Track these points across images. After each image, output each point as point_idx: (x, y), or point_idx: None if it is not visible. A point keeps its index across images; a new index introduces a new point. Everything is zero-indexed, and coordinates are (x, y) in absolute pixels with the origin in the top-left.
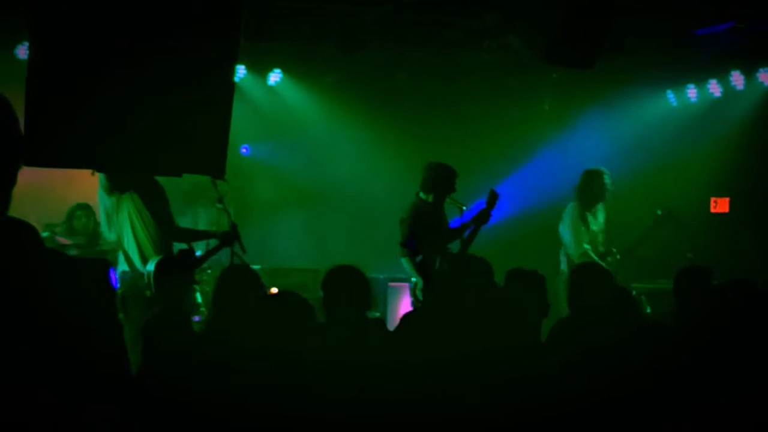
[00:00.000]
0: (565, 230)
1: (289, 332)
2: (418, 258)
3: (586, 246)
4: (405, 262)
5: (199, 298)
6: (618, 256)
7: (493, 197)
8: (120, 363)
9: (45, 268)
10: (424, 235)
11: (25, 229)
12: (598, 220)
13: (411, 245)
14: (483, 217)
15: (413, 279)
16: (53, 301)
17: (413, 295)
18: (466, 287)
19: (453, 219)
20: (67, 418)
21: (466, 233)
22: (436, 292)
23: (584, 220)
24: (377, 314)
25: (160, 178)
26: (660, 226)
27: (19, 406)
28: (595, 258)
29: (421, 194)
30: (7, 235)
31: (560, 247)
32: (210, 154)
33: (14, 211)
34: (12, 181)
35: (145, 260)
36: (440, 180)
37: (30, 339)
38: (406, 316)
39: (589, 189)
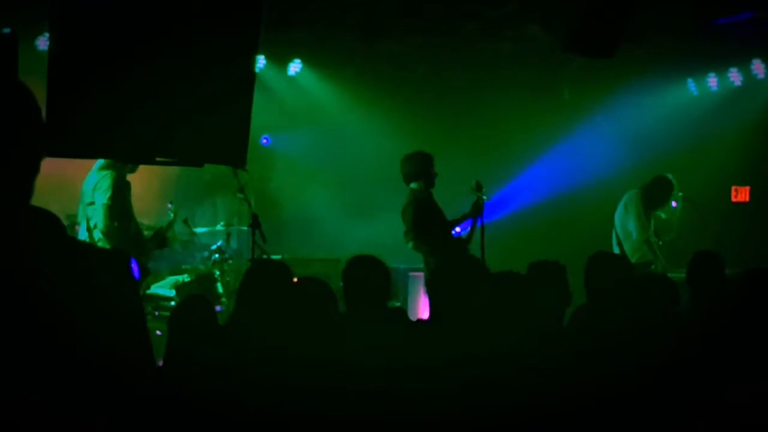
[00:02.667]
0: (630, 216)
1: (310, 321)
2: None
3: (651, 233)
4: (416, 246)
5: (220, 288)
6: (660, 242)
7: (479, 187)
8: (143, 350)
9: (67, 256)
10: (429, 218)
11: (48, 218)
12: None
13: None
14: (477, 210)
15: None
16: (76, 290)
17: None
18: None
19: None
20: (89, 406)
21: (464, 230)
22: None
23: (646, 211)
24: (398, 304)
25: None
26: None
27: (41, 394)
28: (655, 247)
29: (412, 185)
30: (30, 223)
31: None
32: (231, 145)
33: (37, 201)
34: (35, 170)
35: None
36: (421, 167)
37: (53, 327)
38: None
39: (659, 195)
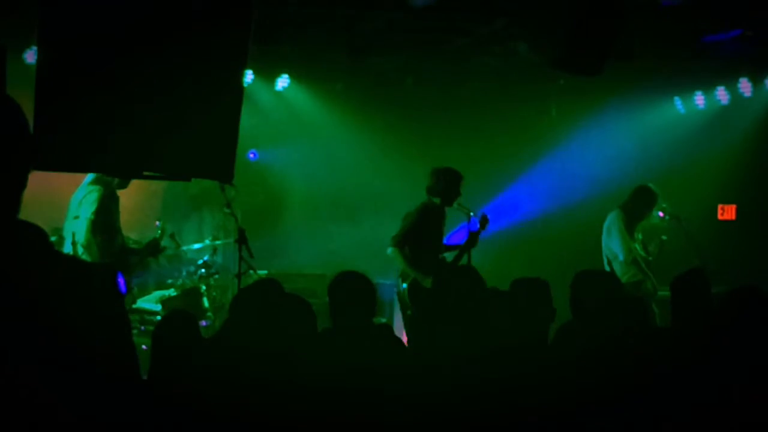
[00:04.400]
0: (613, 239)
1: (292, 336)
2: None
3: (640, 253)
4: (394, 253)
5: (206, 302)
6: (650, 258)
7: (485, 221)
8: (128, 365)
9: (54, 270)
10: (424, 234)
11: (35, 232)
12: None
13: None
14: (472, 241)
15: (403, 285)
16: (62, 304)
17: (402, 299)
18: (458, 294)
19: (460, 225)
20: (73, 421)
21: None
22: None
23: (630, 228)
24: (383, 320)
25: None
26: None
27: (22, 409)
28: (642, 264)
29: (433, 198)
30: (17, 237)
31: (593, 252)
32: (218, 159)
33: (24, 215)
34: (23, 184)
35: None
36: (447, 184)
37: (38, 341)
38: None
39: (641, 206)
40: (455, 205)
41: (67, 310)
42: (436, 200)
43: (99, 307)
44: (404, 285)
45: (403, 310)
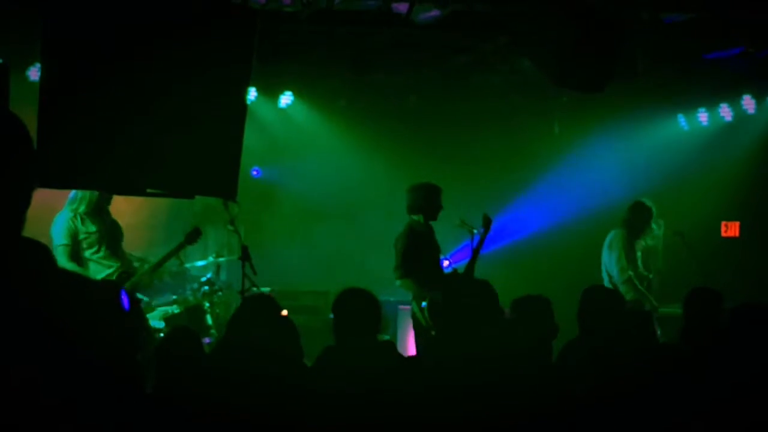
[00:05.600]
0: (610, 258)
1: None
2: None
3: (630, 273)
4: (406, 284)
5: (209, 319)
6: (651, 276)
7: (488, 222)
8: (132, 381)
9: (58, 287)
10: (421, 254)
11: (39, 249)
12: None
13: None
14: (478, 251)
15: (423, 303)
16: (66, 321)
17: (418, 318)
18: (474, 311)
19: (464, 242)
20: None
21: (454, 263)
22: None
23: (630, 248)
24: (387, 337)
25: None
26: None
27: (24, 420)
28: (638, 284)
29: (413, 216)
30: (21, 254)
31: (597, 269)
32: (222, 176)
33: (27, 232)
34: (27, 201)
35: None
36: (425, 199)
37: (43, 357)
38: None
39: (639, 222)
40: (458, 222)
41: (70, 326)
42: (418, 217)
43: (100, 323)
44: (424, 303)
45: (419, 329)
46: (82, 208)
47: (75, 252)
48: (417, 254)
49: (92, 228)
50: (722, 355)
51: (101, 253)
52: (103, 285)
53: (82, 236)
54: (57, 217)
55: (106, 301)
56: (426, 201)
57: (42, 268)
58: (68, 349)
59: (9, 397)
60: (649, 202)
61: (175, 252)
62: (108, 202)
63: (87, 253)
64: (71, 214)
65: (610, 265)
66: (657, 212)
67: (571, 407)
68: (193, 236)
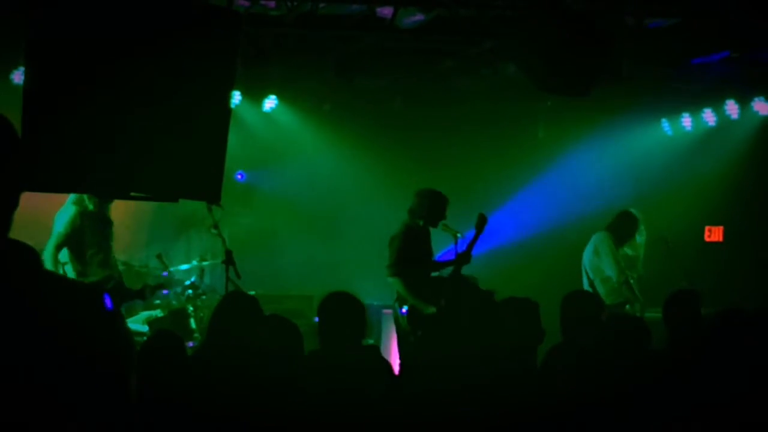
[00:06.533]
0: (603, 260)
1: (277, 357)
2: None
3: (627, 273)
4: (396, 283)
5: (193, 324)
6: (632, 280)
7: (482, 221)
8: (118, 383)
9: (45, 289)
10: (413, 257)
11: (26, 252)
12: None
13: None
14: (464, 258)
15: (404, 307)
16: (53, 322)
17: (400, 324)
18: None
19: (448, 247)
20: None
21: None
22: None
23: (617, 249)
24: (371, 341)
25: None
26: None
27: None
28: (634, 284)
29: (415, 219)
30: (8, 257)
31: (577, 276)
32: (206, 180)
33: (13, 235)
34: (14, 203)
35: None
36: (431, 207)
37: (30, 358)
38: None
39: (625, 230)
40: (440, 226)
41: (58, 327)
42: (419, 221)
43: (86, 326)
44: (404, 309)
45: (400, 333)
46: (90, 207)
47: (76, 247)
48: (410, 255)
49: (94, 231)
50: (705, 361)
51: (96, 259)
52: (86, 286)
53: (86, 236)
54: (60, 212)
55: (90, 302)
56: (431, 208)
57: (28, 269)
58: (52, 349)
59: None
60: (637, 213)
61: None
62: (107, 207)
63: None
64: (78, 209)
65: (605, 267)
66: (642, 221)
67: (555, 413)
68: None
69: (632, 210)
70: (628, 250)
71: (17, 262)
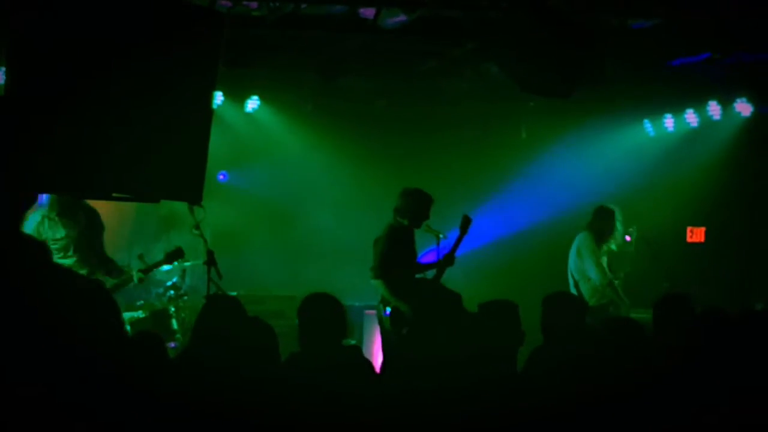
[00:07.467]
0: (586, 261)
1: (255, 358)
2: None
3: (611, 276)
4: (379, 285)
5: (174, 324)
6: (617, 281)
7: (467, 222)
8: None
9: (53, 280)
10: (397, 259)
11: (36, 245)
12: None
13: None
14: (448, 260)
15: (387, 308)
16: (60, 310)
17: (383, 324)
18: (439, 318)
19: (429, 247)
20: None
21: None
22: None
23: (599, 250)
24: (353, 341)
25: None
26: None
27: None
28: (617, 285)
29: (399, 219)
30: (20, 249)
31: (563, 275)
32: (187, 180)
33: None
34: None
35: None
36: (416, 206)
37: (38, 344)
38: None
39: (604, 226)
40: (423, 227)
41: (65, 314)
42: (404, 221)
43: (93, 313)
44: (388, 310)
45: (384, 334)
46: (53, 213)
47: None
48: (395, 258)
49: (60, 233)
50: (687, 362)
51: (69, 260)
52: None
53: (49, 243)
54: (29, 218)
55: (95, 292)
56: (416, 208)
57: (39, 261)
58: (63, 336)
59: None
60: (612, 206)
61: (153, 268)
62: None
63: (56, 258)
64: (39, 219)
65: (587, 269)
66: (625, 217)
67: (536, 416)
68: (174, 256)
69: (607, 204)
70: (613, 246)
71: (30, 255)
